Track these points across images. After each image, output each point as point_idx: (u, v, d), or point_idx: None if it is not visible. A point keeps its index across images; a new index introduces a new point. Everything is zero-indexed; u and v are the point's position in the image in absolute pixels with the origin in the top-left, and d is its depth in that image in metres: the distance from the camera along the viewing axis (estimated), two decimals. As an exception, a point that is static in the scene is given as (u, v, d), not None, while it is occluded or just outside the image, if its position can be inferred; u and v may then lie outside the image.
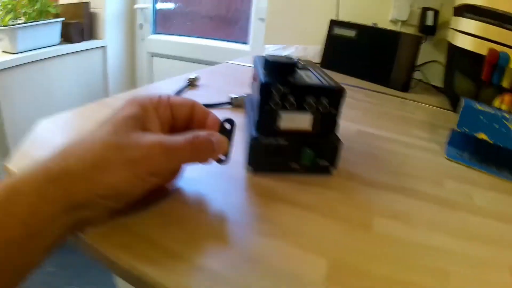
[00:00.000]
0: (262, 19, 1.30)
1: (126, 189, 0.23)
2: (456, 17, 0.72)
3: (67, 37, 1.46)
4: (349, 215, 0.32)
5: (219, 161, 0.29)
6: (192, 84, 0.66)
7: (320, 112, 0.34)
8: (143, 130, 0.24)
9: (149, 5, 1.61)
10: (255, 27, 1.41)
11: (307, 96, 0.33)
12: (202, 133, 0.25)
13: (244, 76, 0.71)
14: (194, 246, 0.25)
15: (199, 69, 0.76)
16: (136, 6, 1.62)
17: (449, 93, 0.82)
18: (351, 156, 0.44)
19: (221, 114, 0.31)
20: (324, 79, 0.36)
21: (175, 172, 0.29)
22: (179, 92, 0.61)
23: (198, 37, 1.56)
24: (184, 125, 0.29)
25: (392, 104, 0.73)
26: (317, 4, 1.08)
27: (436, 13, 0.89)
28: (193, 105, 0.29)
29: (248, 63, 0.90)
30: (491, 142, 0.45)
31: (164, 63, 1.63)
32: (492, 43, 0.61)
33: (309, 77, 0.36)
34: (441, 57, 0.95)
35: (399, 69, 0.85)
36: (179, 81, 0.66)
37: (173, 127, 0.28)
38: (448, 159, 0.47)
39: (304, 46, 1.02)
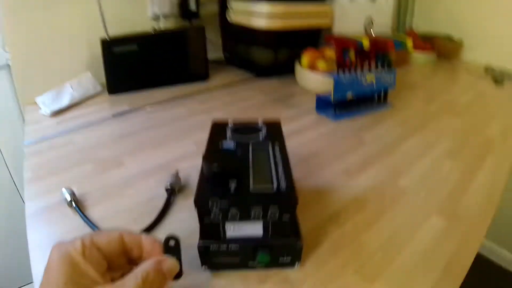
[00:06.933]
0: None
1: None
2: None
3: None
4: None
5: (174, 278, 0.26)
6: None
7: (272, 221, 0.29)
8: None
9: None
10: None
11: (252, 206, 0.28)
12: (149, 267, 0.23)
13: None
14: None
15: None
16: None
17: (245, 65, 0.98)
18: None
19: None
20: (280, 170, 0.31)
21: None
22: None
23: None
24: (123, 259, 0.26)
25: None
26: (68, 30, 0.82)
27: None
28: (120, 238, 0.26)
29: None
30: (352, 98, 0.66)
31: None
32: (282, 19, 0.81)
33: (260, 172, 0.31)
34: (211, 36, 1.02)
35: (195, 62, 0.90)
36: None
37: (112, 264, 0.25)
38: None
39: (77, 80, 0.81)
